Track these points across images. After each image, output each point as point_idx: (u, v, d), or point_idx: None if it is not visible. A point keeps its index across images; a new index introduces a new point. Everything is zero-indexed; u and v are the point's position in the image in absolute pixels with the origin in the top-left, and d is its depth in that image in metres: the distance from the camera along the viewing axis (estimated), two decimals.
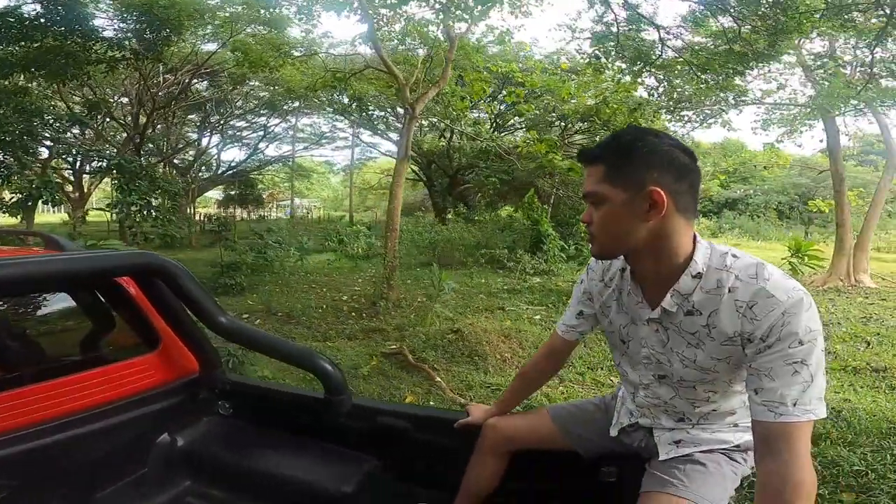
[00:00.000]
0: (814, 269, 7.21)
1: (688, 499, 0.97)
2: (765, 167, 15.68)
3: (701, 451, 1.05)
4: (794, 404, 0.82)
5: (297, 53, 8.94)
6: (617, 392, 1.28)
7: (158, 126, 13.59)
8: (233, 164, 20.15)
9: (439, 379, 3.61)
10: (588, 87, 9.04)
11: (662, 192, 0.87)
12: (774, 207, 20.29)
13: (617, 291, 1.09)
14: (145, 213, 7.90)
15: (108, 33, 7.92)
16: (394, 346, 4.26)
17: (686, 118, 9.04)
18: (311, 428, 1.53)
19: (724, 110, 8.70)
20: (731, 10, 5.85)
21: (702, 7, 6.41)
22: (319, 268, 9.51)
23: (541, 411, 1.33)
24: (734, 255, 0.93)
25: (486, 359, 4.04)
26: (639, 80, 7.79)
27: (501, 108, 14.25)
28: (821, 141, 10.02)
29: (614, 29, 6.73)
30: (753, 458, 0.90)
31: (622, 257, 1.03)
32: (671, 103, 8.45)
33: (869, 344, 4.63)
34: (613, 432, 1.21)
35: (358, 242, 11.48)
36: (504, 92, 10.63)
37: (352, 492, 1.33)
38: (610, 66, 7.49)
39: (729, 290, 0.89)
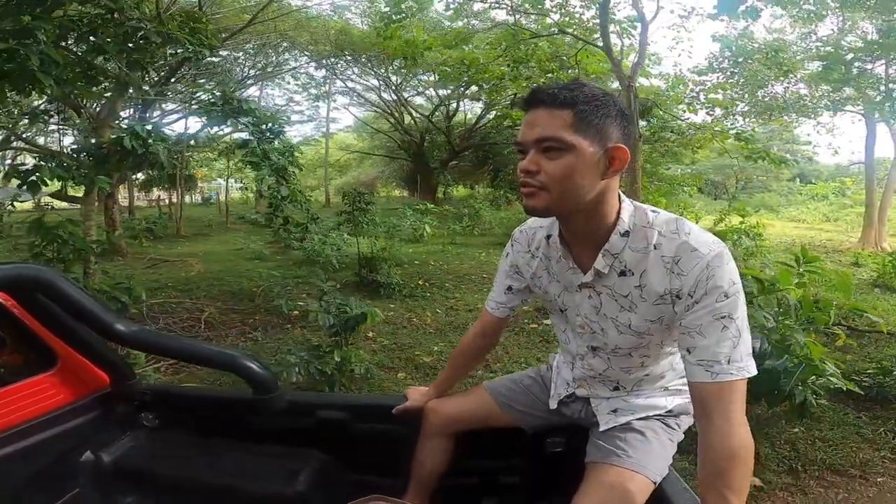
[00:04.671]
0: None
1: (631, 469, 0.99)
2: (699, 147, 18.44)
3: (638, 419, 1.08)
4: (728, 361, 0.83)
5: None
6: (551, 362, 1.30)
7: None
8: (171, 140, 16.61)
9: None
10: None
11: (626, 150, 0.86)
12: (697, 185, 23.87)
13: (546, 260, 1.06)
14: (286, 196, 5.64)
15: None
16: None
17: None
18: (248, 430, 1.48)
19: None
20: None
21: None
22: (416, 255, 8.60)
23: (479, 389, 1.33)
24: (654, 211, 0.94)
25: None
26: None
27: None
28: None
29: None
30: (693, 421, 0.95)
31: (544, 223, 1.03)
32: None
33: None
34: (553, 404, 1.22)
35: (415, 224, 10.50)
36: None
37: (304, 490, 1.30)
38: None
39: (655, 247, 0.90)
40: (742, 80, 8.84)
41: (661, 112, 10.80)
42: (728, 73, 8.78)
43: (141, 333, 1.33)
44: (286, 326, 4.74)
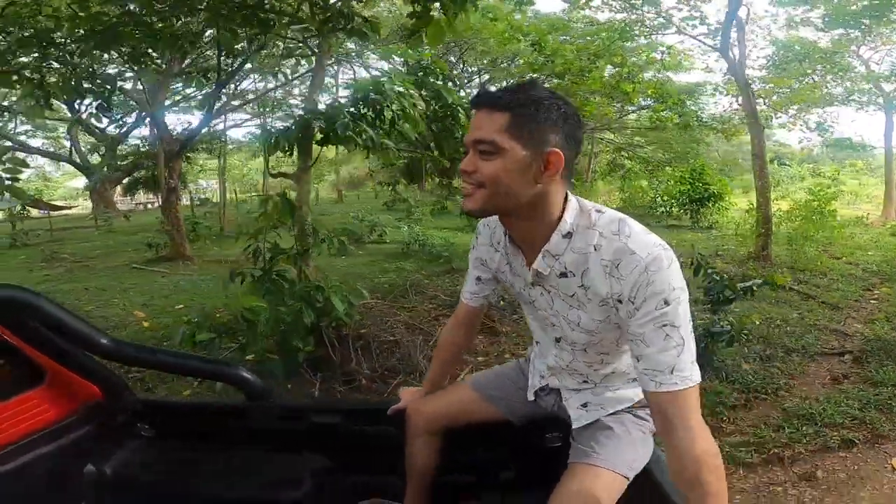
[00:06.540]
0: None
1: (602, 467, 1.01)
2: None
3: (609, 415, 1.09)
4: (672, 371, 0.83)
5: None
6: (529, 354, 1.30)
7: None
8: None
9: None
10: None
11: (561, 155, 0.86)
12: None
13: (506, 254, 1.07)
14: None
15: None
16: None
17: None
18: (244, 437, 1.49)
19: None
20: None
21: None
22: None
23: (460, 385, 1.35)
24: (598, 211, 0.93)
25: None
26: None
27: None
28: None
29: None
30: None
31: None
32: None
33: None
34: (530, 396, 1.23)
35: None
36: None
37: (303, 495, 1.32)
38: None
39: (595, 249, 0.90)
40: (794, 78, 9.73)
41: (689, 103, 11.42)
42: (784, 70, 9.61)
43: (128, 348, 1.31)
44: (513, 316, 4.63)
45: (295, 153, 4.01)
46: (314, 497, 1.32)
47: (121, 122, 12.63)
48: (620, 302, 0.88)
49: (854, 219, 11.14)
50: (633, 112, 13.06)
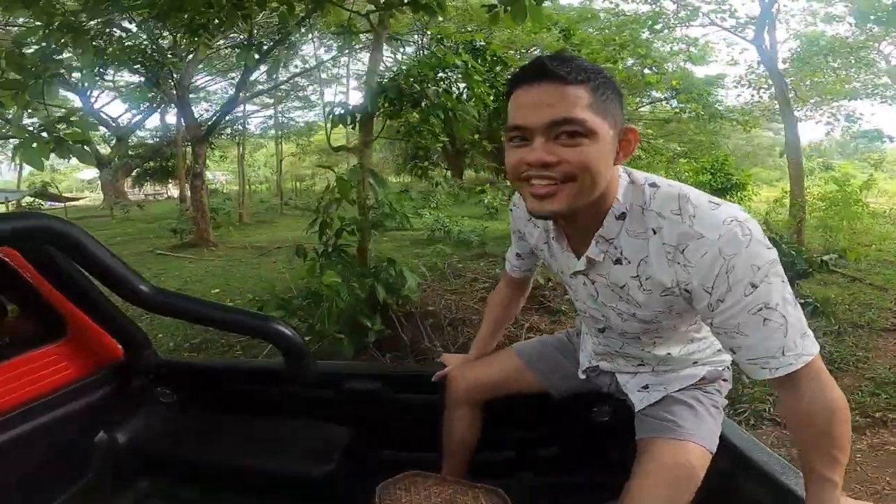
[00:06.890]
0: None
1: (687, 439, 0.93)
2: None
3: (676, 391, 1.01)
4: (783, 353, 0.72)
5: None
6: (579, 326, 1.20)
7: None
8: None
9: None
10: None
11: (638, 133, 0.77)
12: None
13: (545, 234, 0.96)
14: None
15: None
16: None
17: None
18: (273, 405, 1.41)
19: None
20: None
21: None
22: None
23: (505, 352, 1.26)
24: (652, 185, 0.81)
25: None
26: None
27: None
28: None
29: None
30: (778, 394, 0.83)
31: None
32: None
33: None
34: (581, 374, 1.16)
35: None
36: None
37: (334, 469, 1.22)
38: None
39: (654, 231, 0.78)
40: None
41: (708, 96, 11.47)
42: (807, 64, 9.71)
43: (166, 296, 1.16)
44: (565, 296, 4.63)
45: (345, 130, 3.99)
46: (344, 471, 1.21)
47: (140, 110, 12.59)
48: (688, 292, 0.77)
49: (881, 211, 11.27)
50: (647, 104, 13.09)
